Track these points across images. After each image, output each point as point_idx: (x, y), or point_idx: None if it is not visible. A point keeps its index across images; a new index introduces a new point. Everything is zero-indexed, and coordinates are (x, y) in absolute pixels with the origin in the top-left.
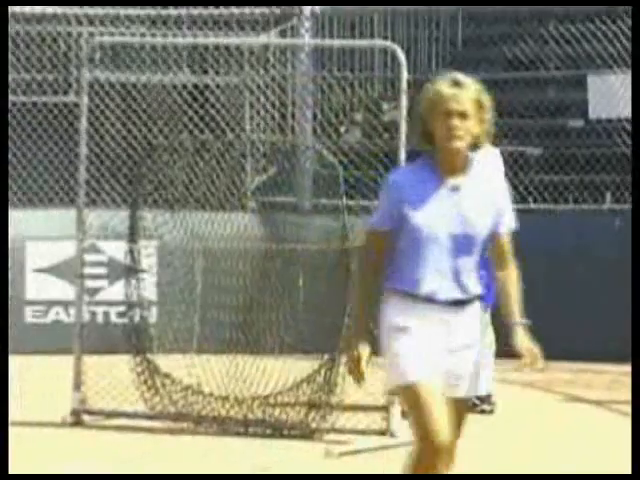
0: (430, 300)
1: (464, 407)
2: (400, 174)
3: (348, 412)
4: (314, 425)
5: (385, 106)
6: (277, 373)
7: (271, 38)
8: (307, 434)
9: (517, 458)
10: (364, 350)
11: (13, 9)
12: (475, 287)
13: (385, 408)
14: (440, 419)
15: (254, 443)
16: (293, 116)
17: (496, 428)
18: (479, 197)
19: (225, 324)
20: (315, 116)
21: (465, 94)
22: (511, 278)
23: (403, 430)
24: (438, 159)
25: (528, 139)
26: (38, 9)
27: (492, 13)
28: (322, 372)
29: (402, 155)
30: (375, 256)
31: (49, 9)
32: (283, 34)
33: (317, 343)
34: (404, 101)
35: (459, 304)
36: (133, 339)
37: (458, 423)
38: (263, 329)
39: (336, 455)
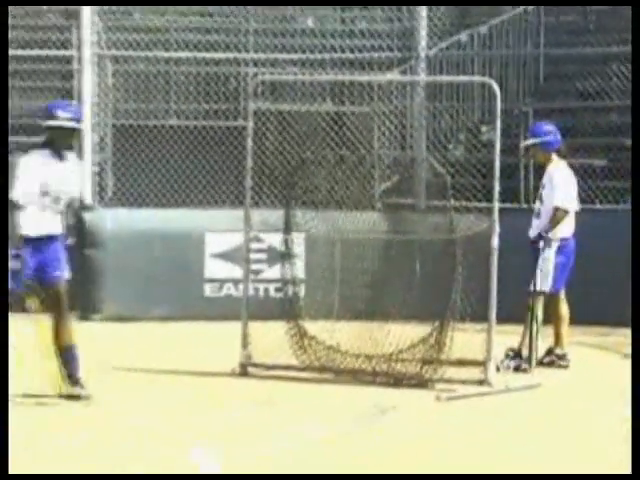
0: None
1: None
2: None
3: (454, 366)
4: (427, 376)
5: (483, 128)
6: (398, 336)
7: (394, 76)
8: (422, 383)
9: (585, 398)
10: None
11: (197, 54)
12: None
13: (483, 363)
14: None
15: (380, 390)
16: (411, 136)
17: (571, 379)
18: None
19: (358, 297)
20: (428, 136)
21: None
22: None
23: (497, 380)
24: None
25: (595, 153)
26: (216, 55)
27: (567, 55)
28: (433, 335)
29: (497, 166)
30: None
31: (225, 55)
32: (403, 73)
33: (429, 312)
34: (498, 124)
35: None
36: (287, 309)
37: None
38: (387, 301)
39: (444, 399)
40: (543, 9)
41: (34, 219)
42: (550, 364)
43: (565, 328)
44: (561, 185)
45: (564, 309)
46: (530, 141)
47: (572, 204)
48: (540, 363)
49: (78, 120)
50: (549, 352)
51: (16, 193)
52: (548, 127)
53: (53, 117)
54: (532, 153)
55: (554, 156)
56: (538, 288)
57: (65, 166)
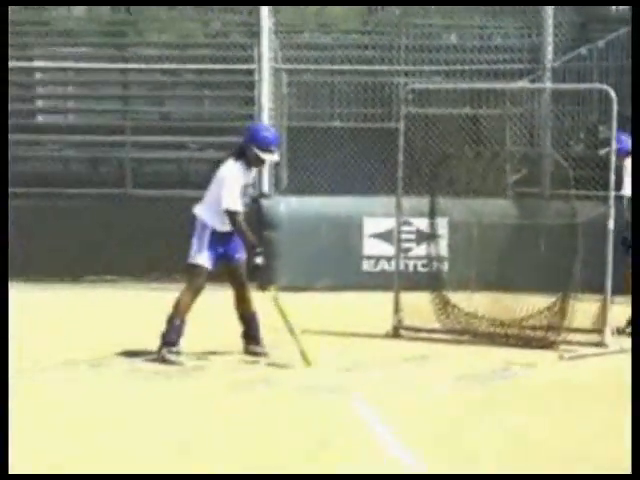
0: None
1: None
2: None
3: (575, 331)
4: (552, 339)
5: (600, 128)
6: (527, 305)
7: (524, 84)
8: (547, 345)
9: None
10: None
11: (357, 67)
12: None
13: (600, 328)
14: None
15: (511, 350)
16: (538, 135)
17: None
18: None
19: (492, 272)
20: (553, 135)
21: None
22: None
23: (612, 343)
24: None
25: None
26: (373, 67)
27: None
28: (557, 304)
29: (613, 161)
30: None
31: (380, 67)
32: (532, 81)
33: (553, 285)
34: (614, 124)
35: None
36: (432, 281)
37: None
38: (517, 275)
39: (566, 358)
40: None
41: (222, 218)
42: (622, 332)
43: None
44: (624, 177)
45: None
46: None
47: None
48: None
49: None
50: None
51: (238, 205)
52: (621, 136)
53: (268, 151)
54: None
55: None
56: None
57: (251, 174)
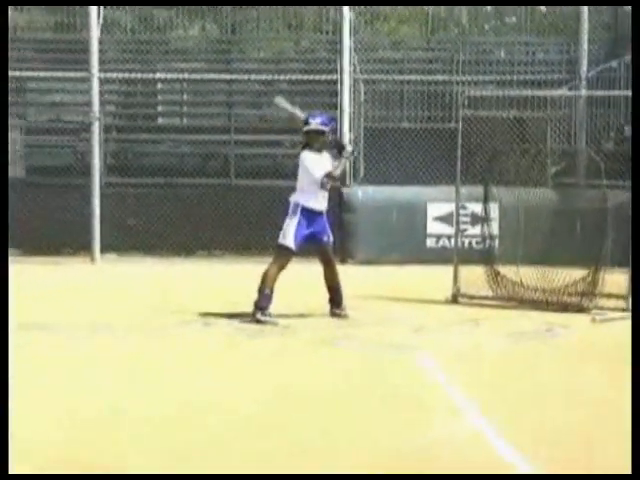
0: None
1: None
2: None
3: (604, 297)
4: (585, 305)
5: (626, 128)
6: (564, 276)
7: (563, 91)
8: (581, 309)
9: None
10: None
11: (422, 77)
12: None
13: (626, 295)
14: None
15: (552, 314)
16: (575, 133)
17: None
18: None
19: (536, 248)
20: (587, 133)
21: None
22: None
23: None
24: None
25: None
26: (436, 77)
27: None
28: (590, 275)
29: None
30: None
31: (442, 77)
32: (570, 89)
33: (587, 259)
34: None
35: None
36: (485, 256)
37: None
38: (557, 251)
39: (598, 321)
40: None
41: (317, 197)
42: None
43: None
44: None
45: None
46: None
47: None
48: None
49: (325, 125)
50: None
51: (322, 172)
52: None
53: (307, 124)
54: None
55: None
56: None
57: (326, 156)
